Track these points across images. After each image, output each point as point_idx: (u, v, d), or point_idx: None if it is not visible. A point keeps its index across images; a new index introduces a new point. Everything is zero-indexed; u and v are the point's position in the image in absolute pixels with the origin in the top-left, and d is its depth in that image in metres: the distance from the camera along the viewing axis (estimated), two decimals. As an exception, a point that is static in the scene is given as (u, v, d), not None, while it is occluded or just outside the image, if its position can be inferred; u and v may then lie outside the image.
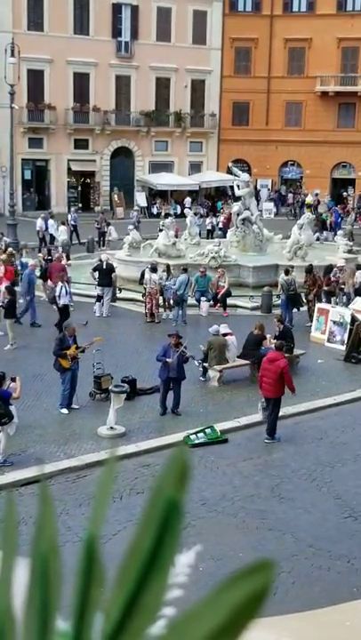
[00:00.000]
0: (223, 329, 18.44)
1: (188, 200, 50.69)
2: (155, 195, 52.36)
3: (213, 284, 24.72)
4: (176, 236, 29.80)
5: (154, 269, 24.01)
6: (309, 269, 24.11)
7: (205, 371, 17.87)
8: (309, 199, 51.58)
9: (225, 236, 32.61)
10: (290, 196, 54.92)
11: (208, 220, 41.13)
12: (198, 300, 24.30)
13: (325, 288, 23.95)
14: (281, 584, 9.32)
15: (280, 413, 15.14)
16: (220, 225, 39.75)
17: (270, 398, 14.57)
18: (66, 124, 49.77)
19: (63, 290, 21.89)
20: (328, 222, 43.06)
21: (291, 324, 21.56)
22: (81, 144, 50.96)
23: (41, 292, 25.43)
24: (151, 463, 13.21)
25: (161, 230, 29.30)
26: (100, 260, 24.81)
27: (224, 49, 54.61)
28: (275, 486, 12.61)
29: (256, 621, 0.75)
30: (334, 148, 54.15)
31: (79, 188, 51.80)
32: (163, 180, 51.46)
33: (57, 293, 21.80)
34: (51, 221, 36.44)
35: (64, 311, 21.75)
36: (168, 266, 25.07)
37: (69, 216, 39.05)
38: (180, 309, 23.34)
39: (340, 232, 37.05)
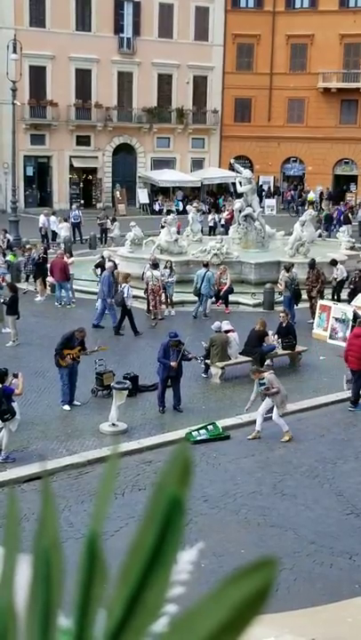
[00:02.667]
0: (225, 326, 18.45)
1: (179, 193, 51.01)
2: (157, 191, 52.35)
3: (215, 281, 24.72)
4: (178, 233, 29.77)
5: (155, 266, 24.00)
6: (312, 264, 24.06)
7: (207, 367, 17.88)
8: (312, 196, 51.55)
9: (227, 233, 32.59)
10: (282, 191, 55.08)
11: (210, 217, 41.09)
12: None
13: None
14: (283, 581, 9.33)
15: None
16: (223, 222, 39.72)
17: (356, 370, 16.01)
18: (68, 120, 49.76)
19: (130, 291, 21.94)
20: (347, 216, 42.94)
21: (293, 320, 21.55)
22: (83, 141, 50.95)
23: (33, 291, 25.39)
24: (153, 460, 13.22)
25: (163, 227, 29.28)
26: (103, 257, 24.81)
27: (226, 45, 54.53)
28: (277, 483, 12.62)
29: (259, 618, 0.74)
30: (337, 145, 54.07)
31: (81, 185, 51.78)
32: (165, 177, 51.43)
33: (125, 295, 21.73)
34: (52, 218, 36.45)
35: (129, 313, 21.70)
36: (171, 263, 25.07)
37: (70, 213, 39.06)
38: (200, 303, 23.57)
39: (342, 229, 36.98)
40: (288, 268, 23.87)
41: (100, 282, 22.99)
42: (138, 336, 21.14)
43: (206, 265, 24.16)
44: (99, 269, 24.42)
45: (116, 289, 24.61)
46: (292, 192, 54.02)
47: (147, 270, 23.79)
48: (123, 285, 22.01)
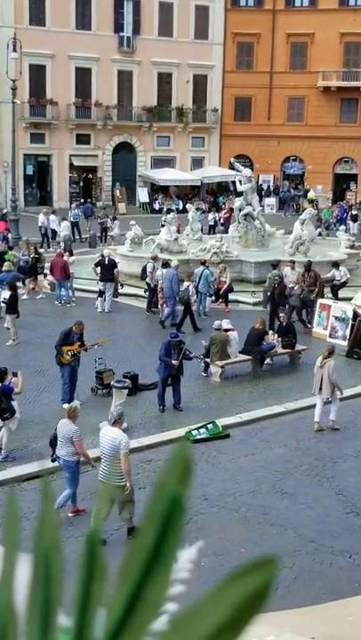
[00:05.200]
0: (225, 324, 18.45)
1: (172, 189, 51.32)
2: (157, 190, 52.35)
3: (215, 280, 24.71)
4: (178, 232, 29.77)
5: (166, 265, 24.01)
6: (308, 267, 23.48)
7: (207, 366, 17.88)
8: (312, 195, 51.56)
9: (227, 232, 32.58)
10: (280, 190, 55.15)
11: (210, 216, 41.13)
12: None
13: None
14: (283, 579, 9.33)
15: (281, 409, 15.88)
16: (222, 220, 39.76)
17: None
18: (68, 119, 49.74)
19: (194, 289, 22.11)
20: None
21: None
22: (83, 139, 50.93)
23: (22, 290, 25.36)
24: (153, 459, 13.22)
25: (163, 226, 29.29)
26: (102, 256, 24.80)
27: (226, 44, 54.48)
28: (276, 482, 12.62)
29: (259, 617, 0.74)
30: (336, 144, 54.06)
31: (81, 184, 51.79)
32: (165, 176, 51.42)
33: (190, 293, 21.78)
34: (52, 217, 36.44)
35: (191, 310, 21.82)
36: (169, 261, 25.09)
37: (70, 212, 39.06)
38: (199, 302, 23.57)
39: (342, 227, 37.04)
40: (275, 265, 23.80)
41: (168, 280, 22.52)
42: (197, 333, 20.97)
43: (204, 263, 24.13)
44: (98, 268, 24.41)
45: (116, 286, 24.68)
46: (285, 190, 54.06)
47: (159, 269, 23.85)
48: (187, 284, 22.07)
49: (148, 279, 23.97)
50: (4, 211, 38.26)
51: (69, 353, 15.49)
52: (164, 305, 23.06)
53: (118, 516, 10.37)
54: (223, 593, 0.74)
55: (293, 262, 24.50)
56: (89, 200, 45.74)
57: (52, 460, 11.78)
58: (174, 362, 15.40)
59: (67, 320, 21.31)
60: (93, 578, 0.81)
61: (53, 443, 11.72)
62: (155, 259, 24.50)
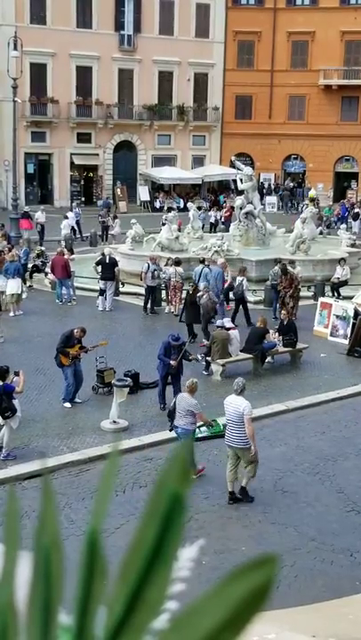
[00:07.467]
0: (227, 323, 18.46)
1: (165, 187, 51.87)
2: (158, 189, 52.36)
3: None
4: (179, 230, 29.75)
5: (177, 263, 23.98)
6: (284, 270, 22.62)
7: (208, 365, 17.88)
8: (313, 193, 51.48)
9: (228, 230, 32.56)
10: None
11: (212, 214, 41.15)
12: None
13: None
14: (284, 578, 9.34)
15: (282, 408, 15.84)
16: (223, 219, 39.78)
17: None
18: (69, 117, 49.74)
19: (247, 284, 22.30)
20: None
21: (274, 316, 21.75)
22: (84, 138, 50.93)
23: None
24: (154, 457, 13.22)
25: (164, 224, 29.28)
26: (103, 254, 24.78)
27: (227, 42, 54.46)
28: (277, 480, 12.62)
29: (259, 615, 0.74)
30: (337, 142, 54.05)
31: (82, 182, 51.80)
32: (166, 174, 51.41)
33: (244, 288, 21.79)
34: (70, 214, 36.57)
35: (245, 305, 22.15)
36: (168, 259, 25.08)
37: (70, 211, 39.08)
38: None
39: (343, 226, 37.02)
40: (280, 262, 23.82)
41: (213, 279, 22.32)
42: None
43: (203, 261, 24.10)
44: (99, 266, 24.40)
45: (117, 285, 24.67)
46: (281, 189, 54.15)
47: (170, 267, 23.84)
48: (241, 278, 22.05)
49: (142, 280, 23.87)
50: (25, 209, 38.20)
51: (72, 354, 15.49)
52: (173, 301, 23.14)
53: (245, 470, 11.69)
54: (224, 591, 0.74)
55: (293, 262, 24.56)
56: (107, 197, 46.29)
57: (170, 430, 12.89)
58: (172, 362, 15.41)
59: (67, 319, 21.35)
60: (94, 576, 0.81)
61: (171, 415, 12.76)
62: (152, 259, 24.38)
